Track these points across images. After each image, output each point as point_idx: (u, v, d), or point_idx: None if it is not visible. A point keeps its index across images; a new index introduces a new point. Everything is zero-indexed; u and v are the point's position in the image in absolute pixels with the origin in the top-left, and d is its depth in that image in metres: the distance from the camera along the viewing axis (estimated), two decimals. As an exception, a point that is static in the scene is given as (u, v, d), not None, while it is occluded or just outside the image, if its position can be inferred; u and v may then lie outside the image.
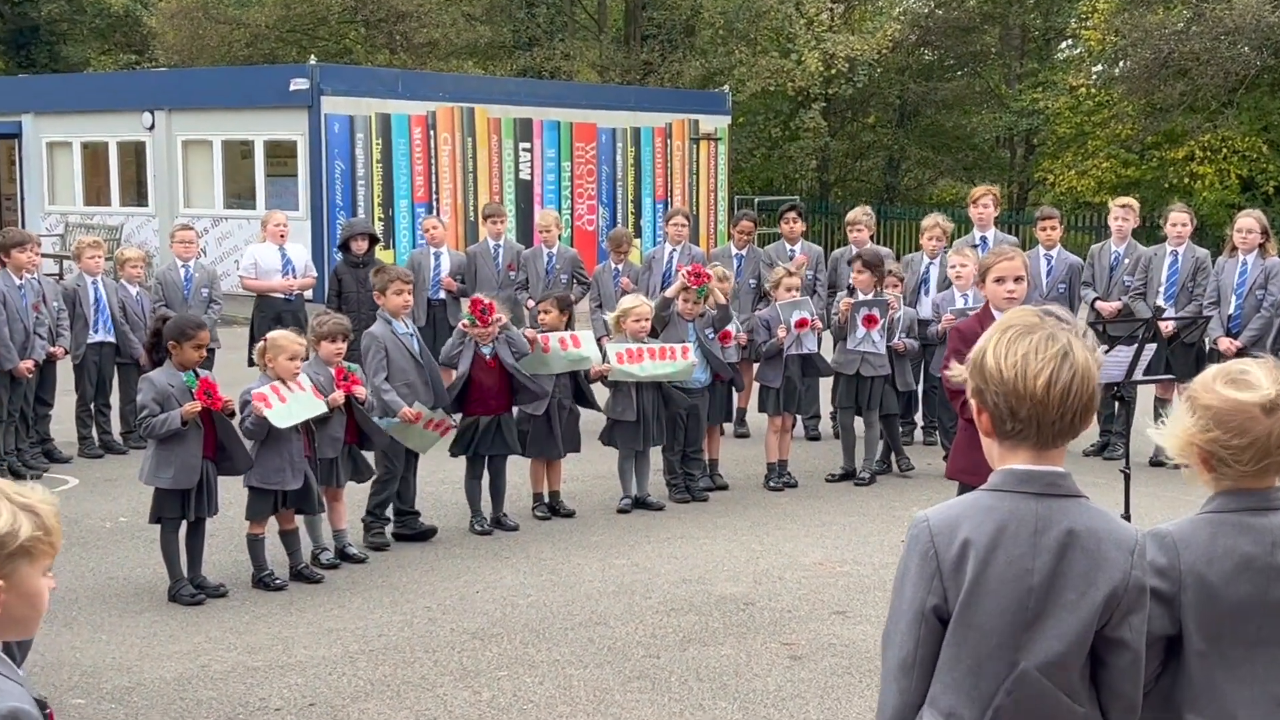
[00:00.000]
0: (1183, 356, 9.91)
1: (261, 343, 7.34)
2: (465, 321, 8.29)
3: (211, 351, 10.40)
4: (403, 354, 7.91)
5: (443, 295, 11.99)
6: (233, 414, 6.93)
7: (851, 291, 9.84)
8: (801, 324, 9.33)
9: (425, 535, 8.07)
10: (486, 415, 8.21)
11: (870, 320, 9.52)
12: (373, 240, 11.68)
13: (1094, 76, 29.08)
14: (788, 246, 11.42)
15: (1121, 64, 27.75)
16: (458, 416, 8.52)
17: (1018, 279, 5.84)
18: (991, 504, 2.53)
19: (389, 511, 8.07)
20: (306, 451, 7.23)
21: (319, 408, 7.19)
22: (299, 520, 7.39)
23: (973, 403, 2.58)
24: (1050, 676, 2.48)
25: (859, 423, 9.78)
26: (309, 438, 7.25)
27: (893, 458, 10.03)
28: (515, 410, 8.41)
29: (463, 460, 8.37)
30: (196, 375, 6.88)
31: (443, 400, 8.04)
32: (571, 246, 14.84)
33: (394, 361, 7.87)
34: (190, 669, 5.95)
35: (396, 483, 8.01)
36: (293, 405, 7.06)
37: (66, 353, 10.26)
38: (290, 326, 9.17)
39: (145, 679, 5.83)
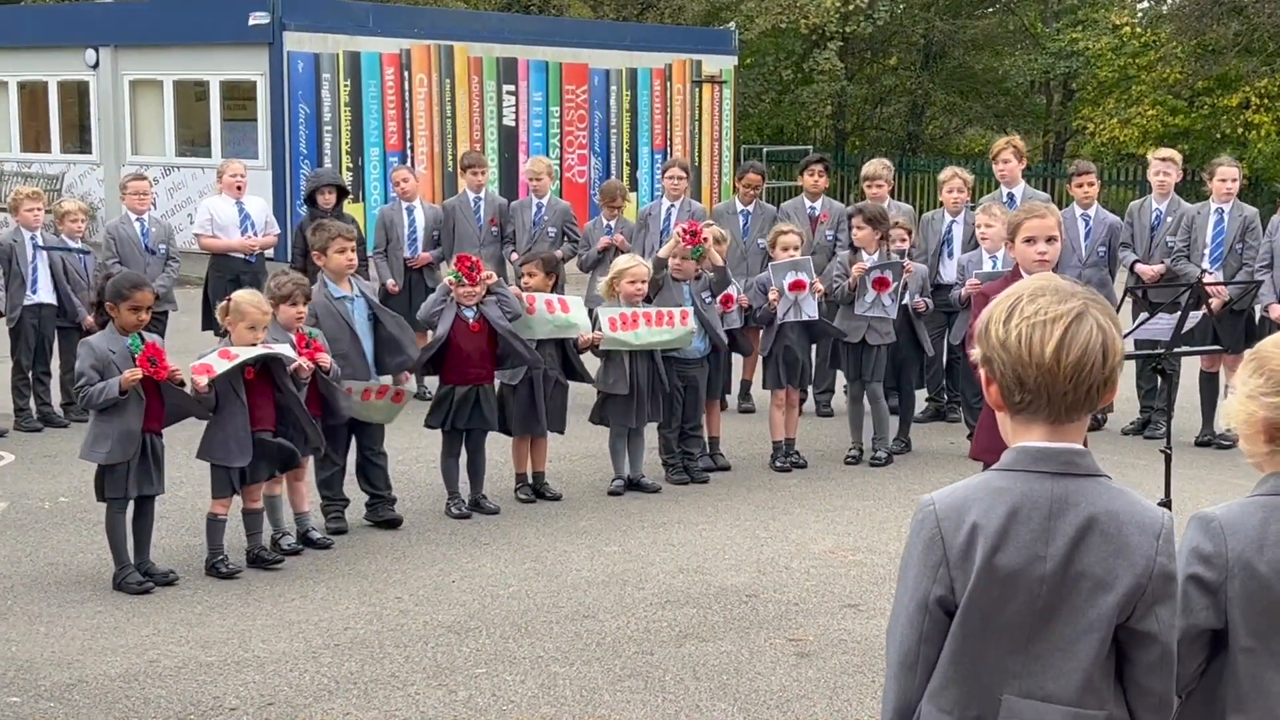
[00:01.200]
0: (1231, 326, 9.93)
1: (225, 301, 7.32)
2: (450, 279, 8.25)
3: (165, 314, 10.42)
4: (336, 320, 7.82)
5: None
6: (181, 384, 6.92)
7: (855, 251, 9.77)
8: (797, 286, 9.27)
9: (392, 525, 8.06)
10: (464, 385, 8.21)
11: (881, 283, 9.46)
12: (341, 193, 11.65)
13: (1139, 14, 29.02)
14: (808, 203, 11.36)
15: (1170, 0, 27.67)
16: (434, 383, 8.52)
17: (1050, 239, 5.83)
18: (1003, 485, 2.53)
19: (346, 492, 8.06)
20: (270, 425, 7.20)
21: (260, 350, 7.11)
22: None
23: (981, 372, 2.58)
24: (1052, 680, 2.48)
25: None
26: (277, 407, 7.22)
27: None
28: (497, 383, 8.40)
29: (438, 436, 8.38)
30: (142, 340, 6.86)
31: (385, 369, 8.01)
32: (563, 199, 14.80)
33: (325, 329, 7.76)
34: (137, 664, 5.96)
35: (342, 458, 8.00)
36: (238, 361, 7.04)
37: (2, 315, 10.25)
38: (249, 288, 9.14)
39: (88, 675, 5.85)
